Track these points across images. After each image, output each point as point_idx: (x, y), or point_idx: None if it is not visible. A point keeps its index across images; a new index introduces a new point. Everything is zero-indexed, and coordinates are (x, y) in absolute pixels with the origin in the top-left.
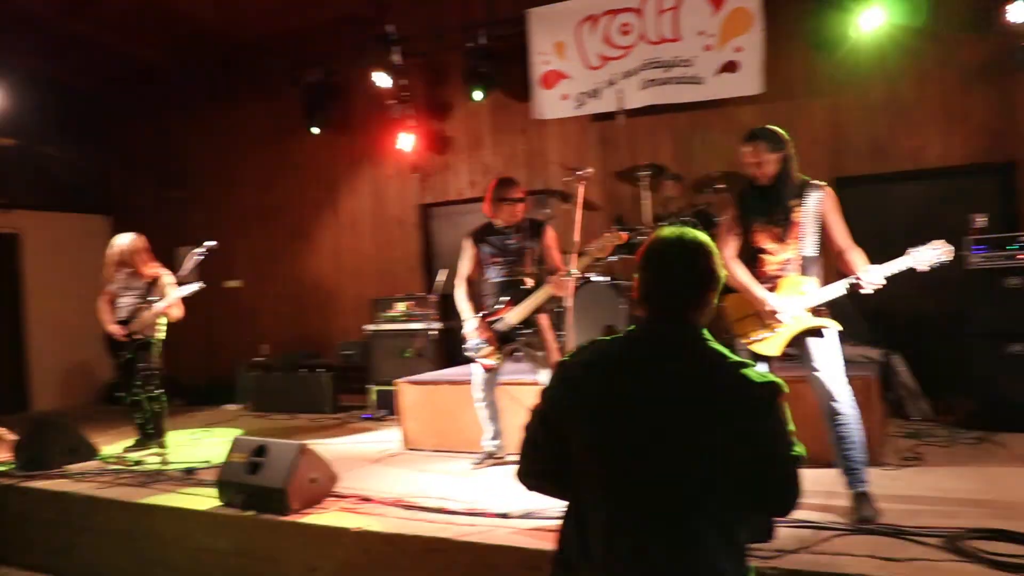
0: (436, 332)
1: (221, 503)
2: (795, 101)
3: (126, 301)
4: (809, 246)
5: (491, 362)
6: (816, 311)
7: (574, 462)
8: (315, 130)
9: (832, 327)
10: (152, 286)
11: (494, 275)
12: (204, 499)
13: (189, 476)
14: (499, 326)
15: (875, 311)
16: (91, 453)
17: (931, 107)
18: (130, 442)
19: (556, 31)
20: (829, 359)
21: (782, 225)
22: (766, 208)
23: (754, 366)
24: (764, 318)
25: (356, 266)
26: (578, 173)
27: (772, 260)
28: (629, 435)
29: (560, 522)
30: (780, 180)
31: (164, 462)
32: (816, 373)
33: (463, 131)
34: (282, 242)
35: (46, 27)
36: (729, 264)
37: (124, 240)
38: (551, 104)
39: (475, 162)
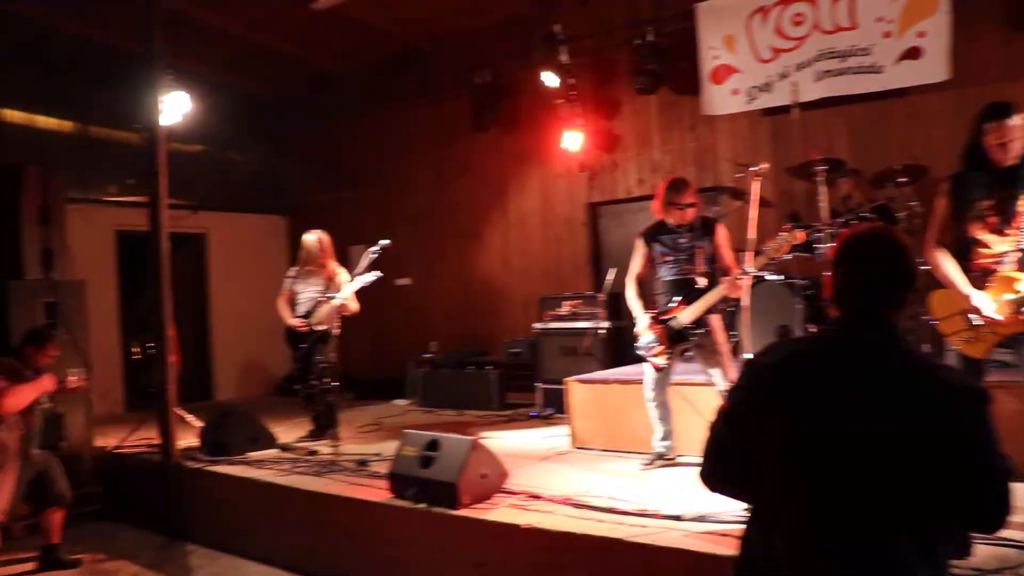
0: (604, 331)
1: (393, 495)
2: (988, 86)
3: (306, 296)
4: None
5: (662, 361)
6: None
7: (761, 465)
8: (483, 131)
9: None
10: (330, 282)
11: (666, 274)
12: (376, 490)
13: (362, 468)
14: (671, 325)
15: None
16: (271, 442)
17: None
18: (304, 433)
19: (725, 24)
20: None
21: (1005, 214)
22: (990, 194)
23: (957, 371)
24: (970, 317)
25: (524, 265)
26: (752, 169)
27: (987, 252)
28: (822, 439)
29: (742, 526)
30: (1022, 163)
31: (337, 453)
32: None
33: (631, 129)
34: (451, 241)
35: (231, 40)
36: (936, 255)
37: (310, 237)
38: (721, 99)
39: (643, 160)
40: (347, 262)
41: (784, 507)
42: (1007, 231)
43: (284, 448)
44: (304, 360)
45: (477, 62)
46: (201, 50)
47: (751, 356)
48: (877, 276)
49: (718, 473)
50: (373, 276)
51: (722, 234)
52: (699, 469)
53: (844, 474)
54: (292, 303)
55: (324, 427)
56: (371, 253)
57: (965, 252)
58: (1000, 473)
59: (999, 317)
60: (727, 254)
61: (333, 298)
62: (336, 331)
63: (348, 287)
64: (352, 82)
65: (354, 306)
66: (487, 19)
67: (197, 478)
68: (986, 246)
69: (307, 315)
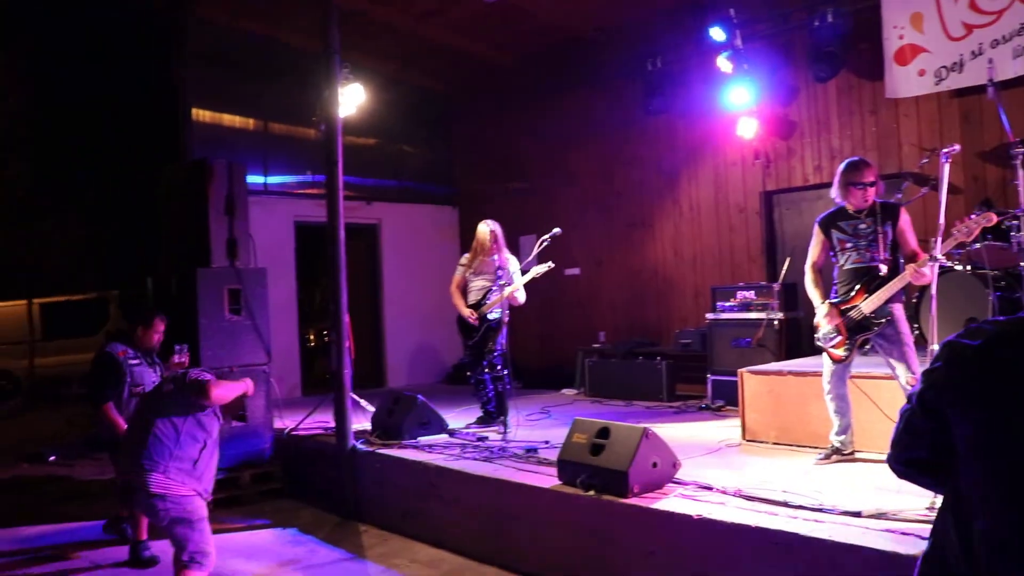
0: (778, 322)
1: (561, 482)
2: None
3: (477, 285)
4: None
5: (841, 352)
6: None
7: (956, 452)
8: (655, 119)
9: None
10: (502, 271)
11: (846, 261)
12: (545, 477)
13: (530, 455)
14: (852, 314)
15: None
16: (441, 427)
17: None
18: (473, 419)
19: (913, 2)
20: None
21: None
22: None
23: None
24: None
25: (695, 255)
26: (944, 151)
27: None
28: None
29: (926, 523)
30: None
31: (507, 439)
32: None
33: (808, 114)
34: (620, 231)
35: (402, 34)
36: None
37: (484, 227)
38: (907, 81)
39: (821, 146)
40: (517, 252)
41: (981, 502)
42: None
43: (454, 433)
44: (475, 348)
45: (646, 49)
46: (374, 45)
47: (950, 338)
48: None
49: (907, 459)
50: (545, 267)
51: (905, 219)
52: (887, 454)
53: None
54: (464, 291)
55: (492, 414)
56: (542, 242)
57: None
58: None
59: None
60: (911, 240)
61: (504, 287)
62: (505, 319)
63: (520, 278)
64: (519, 73)
65: (522, 297)
66: (656, 5)
67: (370, 460)
68: None
69: (478, 304)
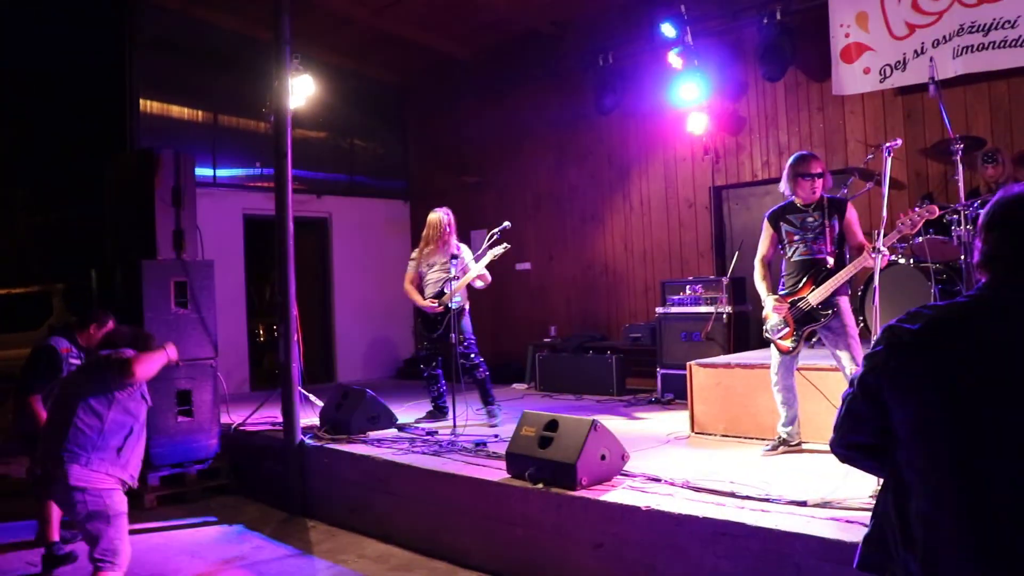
0: (727, 316)
1: (510, 475)
2: None
3: (433, 277)
4: None
5: (788, 343)
6: None
7: (896, 435)
8: (605, 114)
9: None
10: (455, 260)
11: (794, 254)
12: (494, 471)
13: (479, 448)
14: (799, 306)
15: None
16: (390, 421)
17: None
18: (423, 415)
19: (858, 1)
20: None
21: None
22: None
23: None
24: None
25: (645, 249)
26: (886, 145)
27: None
28: (961, 414)
29: (873, 501)
30: None
31: (455, 433)
32: None
33: (757, 110)
34: (572, 225)
35: (356, 26)
36: None
37: (435, 214)
38: (852, 79)
39: (770, 142)
40: (469, 245)
41: (921, 485)
42: None
43: (403, 428)
44: (441, 340)
45: (599, 45)
46: (327, 37)
47: (891, 322)
48: None
49: (849, 443)
50: (502, 248)
51: (852, 213)
52: (830, 439)
53: (988, 451)
54: (419, 287)
55: (442, 409)
56: (491, 236)
57: None
58: None
59: None
60: (858, 233)
61: (462, 274)
62: (466, 305)
63: (480, 262)
64: (474, 67)
65: (487, 277)
66: (611, 1)
67: (318, 456)
68: None
69: (438, 295)
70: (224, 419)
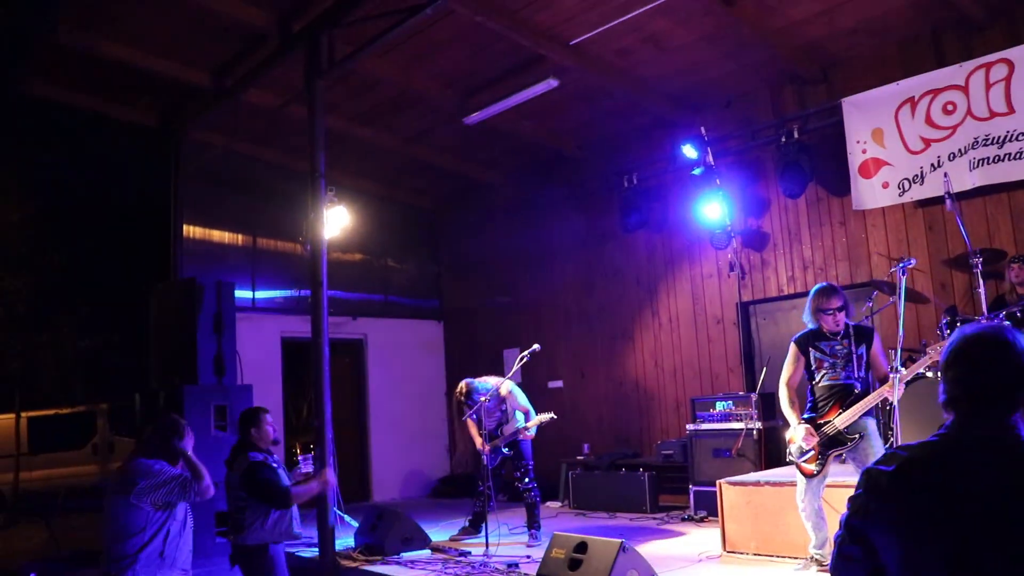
0: (757, 432)
1: None
2: None
3: (490, 420)
4: None
5: (813, 467)
6: None
7: (888, 573)
8: (631, 232)
9: None
10: (504, 405)
11: (821, 379)
12: None
13: (512, 569)
14: (826, 429)
15: None
16: (424, 542)
17: None
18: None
19: (873, 118)
20: None
21: None
22: None
23: None
24: None
25: (675, 366)
26: (899, 265)
27: None
28: (947, 549)
29: None
30: None
31: (488, 555)
32: None
33: (780, 226)
34: (602, 343)
35: (389, 155)
36: None
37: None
38: (871, 193)
39: (794, 257)
40: (501, 364)
41: None
42: None
43: (437, 548)
44: (483, 473)
45: (624, 166)
46: (361, 165)
47: (868, 465)
48: (992, 377)
49: None
50: (548, 416)
51: (878, 343)
52: None
53: None
54: (479, 424)
55: (476, 526)
56: (522, 358)
57: None
58: None
59: None
60: (883, 362)
61: (513, 416)
62: (525, 435)
63: (533, 421)
64: (504, 189)
65: (532, 434)
66: (633, 124)
67: None
68: None
69: (491, 438)
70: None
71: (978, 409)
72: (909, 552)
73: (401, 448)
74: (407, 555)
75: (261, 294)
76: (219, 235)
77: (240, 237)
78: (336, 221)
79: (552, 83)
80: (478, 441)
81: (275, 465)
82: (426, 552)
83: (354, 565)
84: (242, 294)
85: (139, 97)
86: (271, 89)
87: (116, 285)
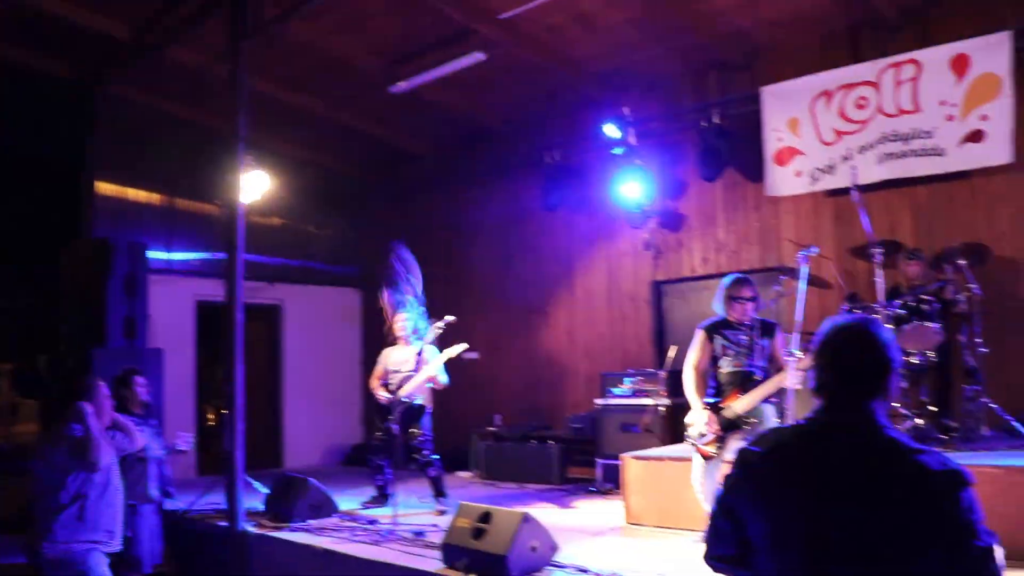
0: (664, 408)
1: (445, 565)
2: None
3: (397, 373)
4: None
5: (711, 450)
6: None
7: (756, 548)
8: (551, 210)
9: None
10: (418, 357)
11: (725, 366)
12: (430, 560)
13: (418, 538)
14: (726, 414)
15: None
16: (332, 510)
17: None
18: (367, 499)
19: (790, 108)
20: None
21: None
22: None
23: (939, 454)
24: None
25: (589, 341)
26: (801, 253)
27: None
28: (805, 527)
29: None
30: None
31: (396, 522)
32: None
33: (696, 208)
34: (519, 317)
35: (314, 120)
36: None
37: (399, 319)
38: (785, 181)
39: (708, 239)
40: None
41: None
42: None
43: (345, 516)
44: (388, 433)
45: (546, 143)
46: (285, 129)
47: (742, 445)
48: (855, 366)
49: (718, 556)
50: (461, 347)
51: (780, 337)
52: (703, 552)
53: (824, 563)
54: (385, 380)
55: (386, 496)
56: (436, 328)
57: None
58: (982, 553)
59: None
60: (784, 354)
61: (419, 372)
62: (428, 405)
63: (433, 361)
64: (428, 160)
65: (443, 379)
66: (560, 101)
67: (260, 543)
68: None
69: (396, 389)
70: (168, 504)
71: (842, 396)
72: (773, 528)
73: (315, 415)
74: (315, 522)
75: (177, 255)
76: (135, 194)
77: (157, 197)
78: (256, 185)
79: (479, 57)
80: (381, 393)
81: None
82: (334, 519)
83: (261, 531)
84: (157, 255)
85: (54, 47)
86: (195, 48)
87: (25, 243)
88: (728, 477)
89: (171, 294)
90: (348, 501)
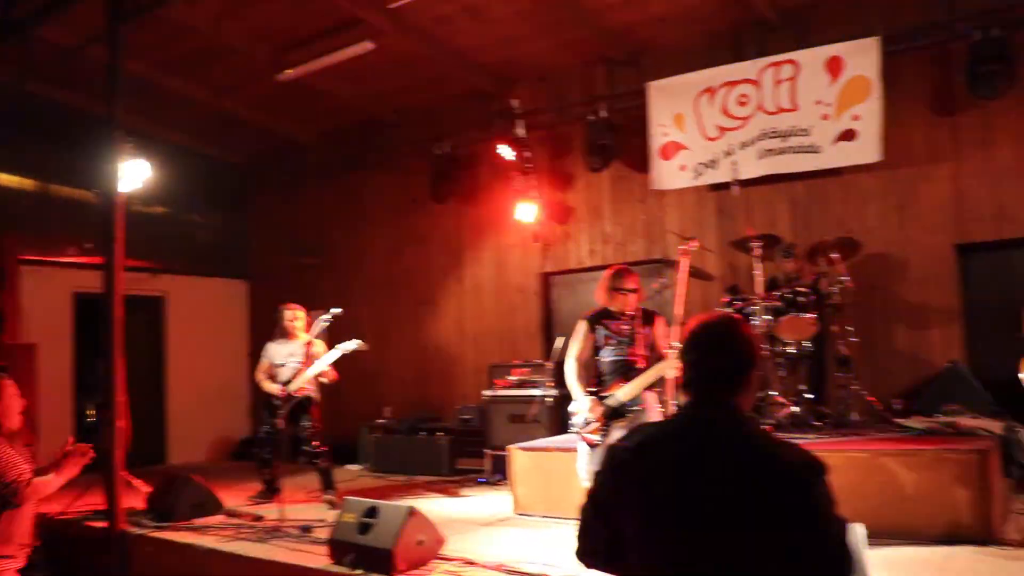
0: (552, 399)
1: (332, 561)
2: (916, 168)
3: (286, 367)
4: None
5: (596, 438)
6: None
7: (625, 544)
8: (440, 201)
9: None
10: (307, 350)
11: (607, 355)
12: (317, 556)
13: (305, 534)
14: (608, 402)
15: (1001, 381)
16: (216, 507)
17: None
18: (254, 493)
19: (675, 103)
20: None
21: None
22: None
23: (796, 446)
24: None
25: (478, 332)
26: (680, 247)
27: None
28: (672, 520)
29: None
30: None
31: (283, 519)
32: None
33: (584, 201)
34: (407, 309)
35: (197, 107)
36: None
37: (287, 311)
38: (669, 175)
39: (595, 231)
40: (307, 327)
41: None
42: None
43: (230, 514)
44: (275, 427)
45: (438, 134)
46: (169, 115)
47: (611, 442)
48: (715, 362)
49: (590, 551)
50: (355, 344)
51: (662, 325)
52: (575, 548)
53: (691, 554)
54: (272, 374)
55: (275, 491)
56: (323, 320)
57: None
58: (838, 538)
59: None
60: (665, 343)
61: (310, 367)
62: (316, 397)
63: (326, 356)
64: (316, 150)
65: (332, 374)
66: (448, 93)
67: (140, 544)
68: None
69: (287, 383)
70: (46, 506)
71: (706, 392)
72: (641, 522)
73: (201, 410)
74: (200, 521)
75: (51, 246)
76: (6, 179)
77: (30, 183)
78: (137, 173)
79: (367, 46)
80: (273, 387)
81: None
82: (219, 517)
83: (143, 532)
84: (30, 246)
85: None
86: (70, 27)
87: None
88: (598, 474)
89: (46, 287)
90: (234, 497)
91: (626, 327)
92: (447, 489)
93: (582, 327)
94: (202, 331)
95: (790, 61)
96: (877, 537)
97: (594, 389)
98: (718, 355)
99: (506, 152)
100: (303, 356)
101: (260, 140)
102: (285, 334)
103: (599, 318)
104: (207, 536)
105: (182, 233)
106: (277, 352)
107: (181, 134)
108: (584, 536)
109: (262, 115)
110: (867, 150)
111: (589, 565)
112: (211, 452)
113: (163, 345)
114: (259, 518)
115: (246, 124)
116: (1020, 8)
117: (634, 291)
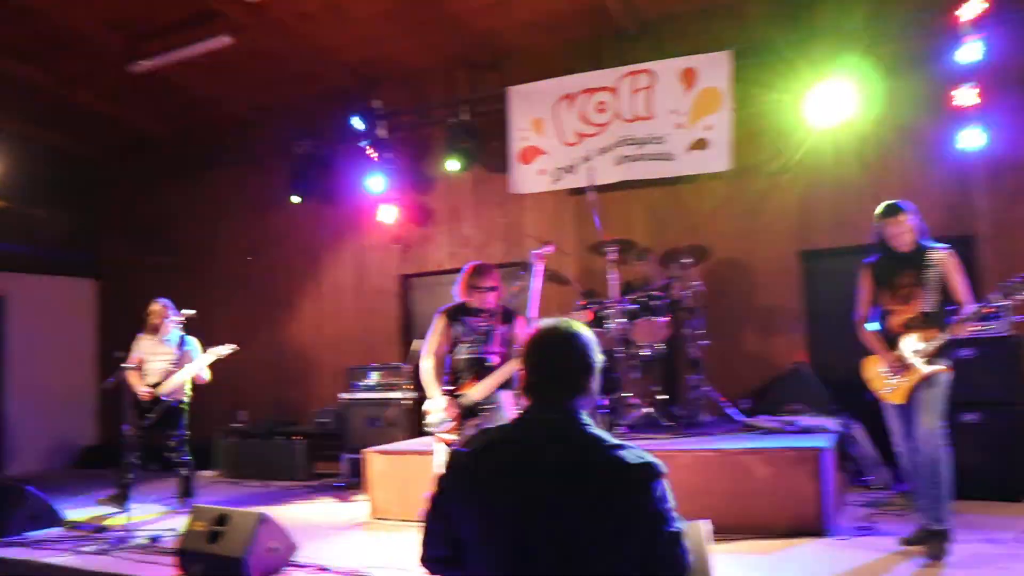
0: (410, 401)
1: (181, 572)
2: (764, 178)
3: (155, 366)
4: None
5: (453, 437)
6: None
7: (467, 547)
8: (297, 200)
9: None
10: (179, 351)
11: (462, 352)
12: (164, 568)
13: (153, 544)
14: (462, 401)
15: (839, 381)
16: (54, 519)
17: (891, 186)
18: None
19: (535, 108)
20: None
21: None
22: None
23: (635, 448)
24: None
25: (336, 334)
26: (534, 252)
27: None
28: (511, 522)
29: None
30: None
31: (129, 528)
32: None
33: (444, 203)
34: (264, 310)
35: (44, 96)
36: (864, 329)
37: (156, 305)
38: (528, 179)
39: (455, 234)
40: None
41: None
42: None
43: (71, 526)
44: (149, 430)
45: (296, 133)
46: (10, 103)
47: (452, 446)
48: (555, 367)
49: (433, 557)
50: (229, 348)
51: (521, 323)
52: (419, 554)
53: (532, 557)
54: (141, 371)
55: (126, 496)
56: (177, 322)
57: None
58: (674, 537)
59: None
60: (522, 340)
61: (181, 370)
62: (185, 400)
63: (199, 360)
64: (172, 146)
65: (206, 375)
66: (310, 91)
67: None
68: (895, 314)
69: (156, 385)
70: None
71: (546, 395)
72: (481, 526)
73: (44, 415)
74: (33, 535)
75: None
76: None
77: None
78: None
79: (225, 40)
80: (142, 390)
81: None
82: (58, 530)
83: None
84: None
85: None
86: None
87: None
88: (440, 480)
89: None
90: (77, 508)
91: (483, 324)
92: (303, 495)
93: (440, 321)
94: (46, 332)
95: (646, 71)
96: (724, 532)
97: (450, 388)
98: (558, 359)
99: (368, 153)
100: (173, 357)
101: (113, 133)
102: (154, 330)
103: (456, 313)
104: (43, 551)
105: (25, 228)
106: (146, 347)
107: (23, 123)
108: (427, 542)
109: (115, 107)
110: (718, 159)
111: (432, 571)
112: (54, 460)
113: (2, 347)
114: (102, 529)
115: (98, 115)
116: None
117: (493, 288)
